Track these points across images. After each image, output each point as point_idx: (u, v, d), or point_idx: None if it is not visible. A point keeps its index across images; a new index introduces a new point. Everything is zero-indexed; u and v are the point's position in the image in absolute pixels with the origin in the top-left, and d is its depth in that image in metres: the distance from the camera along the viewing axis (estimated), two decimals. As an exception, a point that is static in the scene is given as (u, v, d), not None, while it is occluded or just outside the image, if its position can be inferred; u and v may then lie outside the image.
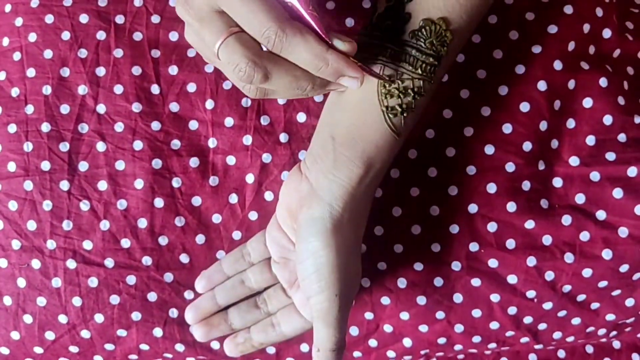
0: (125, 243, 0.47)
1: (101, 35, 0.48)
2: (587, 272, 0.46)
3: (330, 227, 0.41)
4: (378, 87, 0.40)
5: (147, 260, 0.47)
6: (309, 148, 0.43)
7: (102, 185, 0.47)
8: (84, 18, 0.48)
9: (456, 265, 0.47)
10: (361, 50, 0.40)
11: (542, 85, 0.46)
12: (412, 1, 0.40)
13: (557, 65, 0.46)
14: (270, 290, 0.47)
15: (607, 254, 0.46)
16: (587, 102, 0.46)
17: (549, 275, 0.46)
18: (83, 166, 0.47)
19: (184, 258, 0.47)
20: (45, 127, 0.47)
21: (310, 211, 0.41)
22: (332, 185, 0.41)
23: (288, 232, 0.45)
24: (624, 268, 0.46)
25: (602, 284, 0.47)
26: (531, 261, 0.46)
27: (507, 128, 0.46)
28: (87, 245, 0.47)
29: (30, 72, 0.48)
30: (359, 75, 0.39)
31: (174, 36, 0.48)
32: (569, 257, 0.46)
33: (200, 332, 0.47)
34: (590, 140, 0.46)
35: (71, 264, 0.47)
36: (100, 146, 0.47)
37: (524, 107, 0.46)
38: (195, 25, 0.38)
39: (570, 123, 0.46)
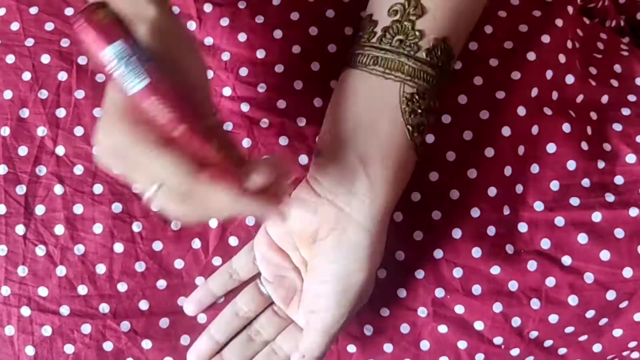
0: (82, 289, 0.46)
1: (62, 76, 0.47)
2: (553, 318, 0.46)
3: (369, 252, 0.41)
4: (401, 106, 0.40)
5: (104, 308, 0.46)
6: (320, 166, 0.42)
7: (59, 229, 0.46)
8: (45, 58, 0.47)
9: (422, 312, 0.46)
10: (375, 64, 0.40)
11: (506, 131, 0.46)
12: (421, 18, 0.41)
13: (521, 111, 0.47)
14: (262, 319, 0.46)
15: (573, 300, 0.46)
16: (551, 148, 0.47)
17: (516, 322, 0.46)
18: (40, 210, 0.46)
19: (144, 305, 0.46)
20: (2, 169, 0.46)
21: (345, 236, 0.40)
22: (370, 209, 0.40)
23: (286, 249, 0.44)
24: (590, 314, 0.46)
25: (569, 329, 0.46)
26: (497, 307, 0.46)
27: (472, 173, 0.46)
28: (43, 291, 0.46)
29: (-11, 113, 0.47)
30: (281, 214, 0.37)
31: (137, 78, 0.47)
32: (535, 303, 0.46)
33: None
34: (555, 185, 0.46)
35: (25, 311, 0.46)
36: (58, 189, 0.46)
37: (489, 152, 0.46)
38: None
39: (535, 168, 0.47)
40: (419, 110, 0.41)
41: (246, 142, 0.46)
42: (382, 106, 0.40)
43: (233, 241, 0.47)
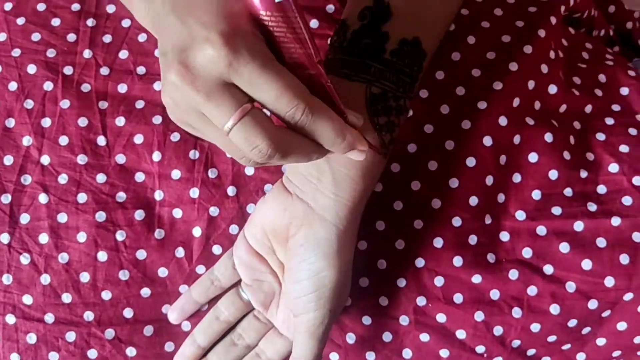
0: (67, 298, 0.46)
1: (48, 86, 0.47)
2: (535, 327, 0.46)
3: (337, 248, 0.41)
4: (368, 106, 0.41)
5: (88, 316, 0.46)
6: (292, 166, 0.43)
7: (44, 238, 0.46)
8: (31, 69, 0.48)
9: (404, 320, 0.46)
10: (342, 67, 0.41)
11: (487, 141, 0.46)
12: (388, 21, 0.42)
13: (502, 120, 0.47)
14: (243, 323, 0.46)
15: (554, 309, 0.46)
16: (533, 157, 0.47)
17: (498, 330, 0.46)
18: (24, 218, 0.46)
19: (128, 312, 0.46)
20: (-12, 178, 0.46)
21: (312, 231, 0.41)
22: (335, 204, 0.41)
23: (263, 252, 0.44)
24: (573, 323, 0.46)
25: (551, 338, 0.47)
26: (479, 316, 0.46)
27: (453, 182, 0.46)
28: (27, 299, 0.46)
29: (-25, 122, 0.47)
30: (366, 148, 0.38)
31: (122, 88, 0.48)
32: (516, 312, 0.46)
33: None
34: (536, 194, 0.47)
35: (10, 319, 0.46)
36: (43, 198, 0.46)
37: (470, 161, 0.46)
38: (199, 99, 0.33)
39: (516, 177, 0.47)
40: (387, 110, 0.41)
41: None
42: (349, 107, 0.40)
43: (217, 250, 0.47)
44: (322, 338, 0.43)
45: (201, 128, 0.36)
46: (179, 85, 0.34)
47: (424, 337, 0.46)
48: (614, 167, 0.47)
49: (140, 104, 0.47)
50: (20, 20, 0.49)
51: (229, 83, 0.34)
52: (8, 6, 0.49)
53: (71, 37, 0.49)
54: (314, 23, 0.49)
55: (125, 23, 0.49)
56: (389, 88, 0.41)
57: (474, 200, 0.46)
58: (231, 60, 0.32)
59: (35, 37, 0.48)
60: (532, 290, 0.46)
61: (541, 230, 0.46)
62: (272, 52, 0.35)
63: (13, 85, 0.48)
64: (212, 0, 0.34)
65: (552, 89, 0.49)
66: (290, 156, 0.35)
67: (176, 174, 0.47)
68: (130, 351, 0.46)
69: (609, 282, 0.46)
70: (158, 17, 0.36)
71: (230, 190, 0.47)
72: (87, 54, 0.48)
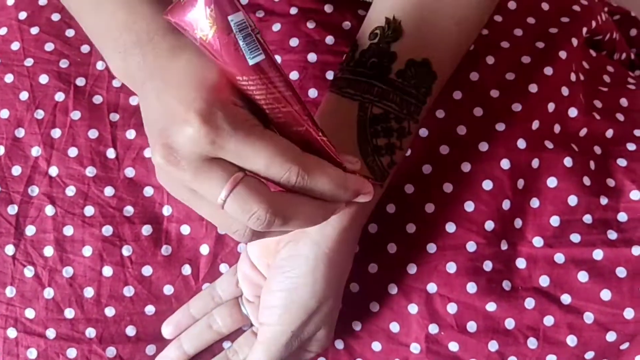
0: (69, 313, 0.45)
1: (60, 96, 0.47)
2: (551, 359, 0.45)
3: (314, 267, 0.40)
4: (367, 128, 0.40)
5: (90, 332, 0.45)
6: None
7: (49, 251, 0.45)
8: (43, 79, 0.47)
9: (415, 348, 0.45)
10: (347, 86, 0.40)
11: (505, 164, 0.45)
12: (397, 41, 0.41)
13: (521, 143, 0.46)
14: (240, 339, 0.45)
15: (571, 340, 0.44)
16: (552, 182, 0.46)
17: (512, 361, 0.45)
18: (30, 230, 0.45)
19: (131, 330, 0.45)
20: (-5, 188, 0.46)
21: (296, 247, 0.40)
22: (324, 225, 0.39)
23: (261, 269, 0.43)
24: (590, 355, 0.45)
25: (568, 371, 0.45)
26: (493, 346, 0.44)
27: (469, 206, 0.45)
28: (30, 313, 0.45)
29: (-15, 132, 0.47)
30: (372, 190, 0.37)
31: (134, 100, 0.47)
32: (532, 343, 0.44)
33: None
34: (555, 220, 0.45)
35: (12, 332, 0.45)
36: (49, 210, 0.45)
37: (487, 185, 0.45)
38: (187, 177, 0.33)
39: (534, 202, 0.45)
40: (387, 132, 0.40)
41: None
42: (343, 127, 0.40)
43: (224, 268, 0.46)
44: (274, 355, 0.41)
45: (194, 204, 0.35)
46: (165, 167, 0.33)
47: (435, 365, 0.45)
48: (635, 195, 0.46)
49: (151, 117, 0.47)
50: (34, 30, 0.48)
51: (215, 158, 0.33)
52: (22, 15, 0.49)
53: (85, 48, 0.48)
54: (329, 39, 0.48)
55: (139, 35, 0.48)
56: (392, 109, 0.40)
57: (489, 225, 0.45)
58: (213, 138, 0.32)
59: (49, 47, 0.48)
60: (548, 320, 0.44)
61: (559, 257, 0.45)
62: (256, 117, 0.33)
63: (24, 95, 0.47)
64: (187, 68, 0.33)
65: (573, 112, 0.48)
66: (293, 220, 0.34)
67: (185, 189, 0.46)
68: (132, 370, 0.45)
69: (629, 313, 0.44)
70: (135, 82, 0.36)
71: (240, 208, 0.46)
72: (100, 65, 0.48)
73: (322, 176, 0.34)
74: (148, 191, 0.46)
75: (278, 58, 0.47)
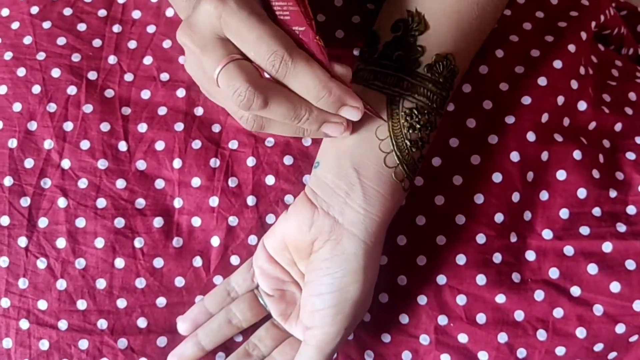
0: (82, 304, 0.45)
1: (72, 90, 0.47)
2: (560, 351, 0.45)
3: (364, 264, 0.40)
4: (401, 121, 0.40)
5: (102, 324, 0.45)
6: (318, 177, 0.42)
7: (61, 242, 0.45)
8: (56, 72, 0.48)
9: (425, 339, 0.45)
10: (374, 79, 0.41)
11: (515, 156, 0.45)
12: (423, 34, 0.41)
13: (531, 136, 0.46)
14: (260, 331, 0.45)
15: (581, 332, 0.44)
16: (561, 175, 0.46)
17: (521, 353, 0.45)
18: (43, 222, 0.46)
19: (142, 322, 0.45)
20: (8, 180, 0.46)
21: (339, 246, 0.40)
22: (365, 220, 0.40)
23: (283, 263, 0.43)
24: (599, 347, 0.45)
25: (577, 363, 0.45)
26: (502, 337, 0.45)
27: (479, 198, 0.45)
28: (42, 305, 0.45)
29: (-2, 125, 0.47)
30: (359, 105, 0.38)
31: (145, 94, 0.47)
32: (541, 334, 0.45)
33: None
34: (564, 213, 0.45)
35: (24, 324, 0.45)
36: (62, 202, 0.46)
37: (497, 177, 0.45)
38: (197, 52, 0.38)
39: (544, 195, 0.46)
40: (418, 126, 0.41)
41: (251, 161, 0.46)
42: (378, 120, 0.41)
43: (235, 260, 0.46)
44: (329, 356, 0.42)
45: (208, 87, 0.40)
46: (184, 43, 0.39)
47: (445, 357, 0.45)
48: (644, 188, 0.46)
49: (162, 111, 0.47)
50: (47, 24, 0.49)
51: (222, 37, 0.37)
52: (34, 10, 0.49)
53: (97, 42, 0.49)
54: (339, 33, 0.48)
55: (151, 29, 0.49)
56: (423, 103, 0.41)
57: (499, 217, 0.45)
58: (220, 11, 0.36)
59: (61, 41, 0.48)
60: (558, 312, 0.45)
61: (568, 250, 0.45)
62: (264, 10, 0.37)
63: (36, 89, 0.47)
64: None
65: (582, 106, 0.48)
66: (273, 104, 0.37)
67: (196, 181, 0.46)
68: (143, 361, 0.45)
69: (638, 306, 0.44)
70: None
71: (250, 200, 0.46)
72: (112, 59, 0.48)
73: (306, 68, 0.36)
74: (159, 184, 0.46)
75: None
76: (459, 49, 0.42)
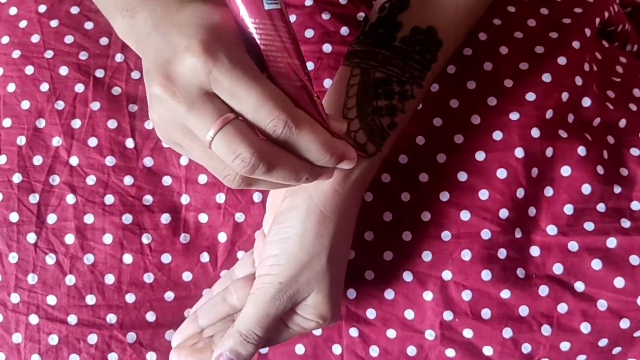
0: (91, 299, 0.46)
1: (79, 88, 0.48)
2: (565, 346, 0.45)
3: (304, 217, 0.40)
4: (370, 91, 0.41)
5: (111, 318, 0.46)
6: None
7: (70, 238, 0.46)
8: (63, 70, 0.48)
9: (430, 334, 0.45)
10: (354, 57, 0.42)
11: (519, 152, 0.46)
12: (403, 12, 0.42)
13: (535, 132, 0.46)
14: (238, 283, 0.44)
15: (585, 328, 0.45)
16: (566, 171, 0.46)
17: (526, 348, 0.45)
18: (51, 219, 0.46)
19: (150, 316, 0.46)
20: (17, 177, 0.47)
21: (290, 199, 0.41)
22: (321, 183, 0.40)
23: None
24: (603, 342, 0.45)
25: (581, 357, 0.45)
26: (507, 332, 0.45)
27: (483, 194, 0.45)
28: (51, 300, 0.46)
29: (6, 122, 0.47)
30: (355, 156, 0.37)
31: (152, 91, 0.48)
32: (546, 330, 0.45)
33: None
34: (569, 209, 0.46)
35: (33, 319, 0.46)
36: (70, 199, 0.46)
37: (501, 173, 0.45)
38: (181, 110, 0.33)
39: (548, 191, 0.46)
40: (388, 94, 0.41)
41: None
42: (343, 91, 0.41)
43: (241, 255, 0.47)
44: (263, 307, 0.40)
45: (186, 145, 0.35)
46: (162, 97, 0.34)
47: (450, 352, 0.45)
48: (648, 184, 0.46)
49: (169, 108, 0.47)
50: (54, 23, 0.49)
51: (210, 93, 0.33)
52: (42, 8, 0.50)
53: (104, 40, 0.49)
54: (344, 30, 0.48)
55: (157, 27, 0.49)
56: (394, 73, 0.41)
57: (504, 213, 0.45)
58: (210, 67, 0.32)
59: (68, 39, 0.49)
60: (562, 308, 0.45)
61: (573, 246, 0.45)
62: (255, 64, 0.34)
63: (45, 86, 0.48)
64: (193, 14, 0.34)
65: (586, 102, 0.48)
66: (276, 169, 0.34)
67: (203, 178, 0.47)
68: (151, 356, 0.46)
69: (642, 301, 0.45)
70: (141, 36, 0.37)
71: (256, 197, 0.46)
72: (119, 57, 0.49)
73: (309, 132, 0.34)
74: (166, 180, 0.47)
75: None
76: (441, 23, 0.42)
